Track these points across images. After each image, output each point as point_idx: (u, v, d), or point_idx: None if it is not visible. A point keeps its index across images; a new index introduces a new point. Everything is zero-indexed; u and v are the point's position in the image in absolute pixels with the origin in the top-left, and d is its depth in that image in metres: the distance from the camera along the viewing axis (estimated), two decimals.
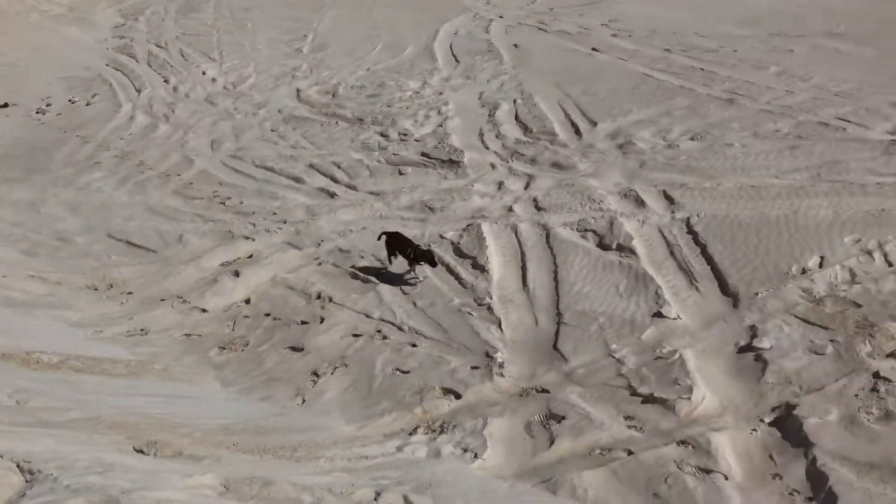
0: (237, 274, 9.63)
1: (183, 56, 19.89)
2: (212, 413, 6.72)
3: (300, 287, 9.24)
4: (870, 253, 8.28)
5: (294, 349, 8.15)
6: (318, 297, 9.00)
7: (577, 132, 12.71)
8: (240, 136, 14.58)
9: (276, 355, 8.11)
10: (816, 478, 5.63)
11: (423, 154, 12.63)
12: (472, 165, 12.00)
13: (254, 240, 10.51)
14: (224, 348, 8.32)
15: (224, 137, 14.57)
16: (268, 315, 8.85)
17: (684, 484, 5.70)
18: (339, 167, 12.55)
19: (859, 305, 7.51)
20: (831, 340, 7.09)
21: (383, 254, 9.51)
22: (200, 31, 21.98)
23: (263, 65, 18.65)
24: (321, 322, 8.52)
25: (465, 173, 11.80)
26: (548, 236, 9.64)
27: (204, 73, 18.43)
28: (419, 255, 8.93)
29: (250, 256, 10.13)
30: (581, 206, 10.25)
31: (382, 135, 13.64)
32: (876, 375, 6.54)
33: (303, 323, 8.57)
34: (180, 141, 14.68)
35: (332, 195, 11.67)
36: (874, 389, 6.39)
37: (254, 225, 10.95)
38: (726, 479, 5.75)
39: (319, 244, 10.16)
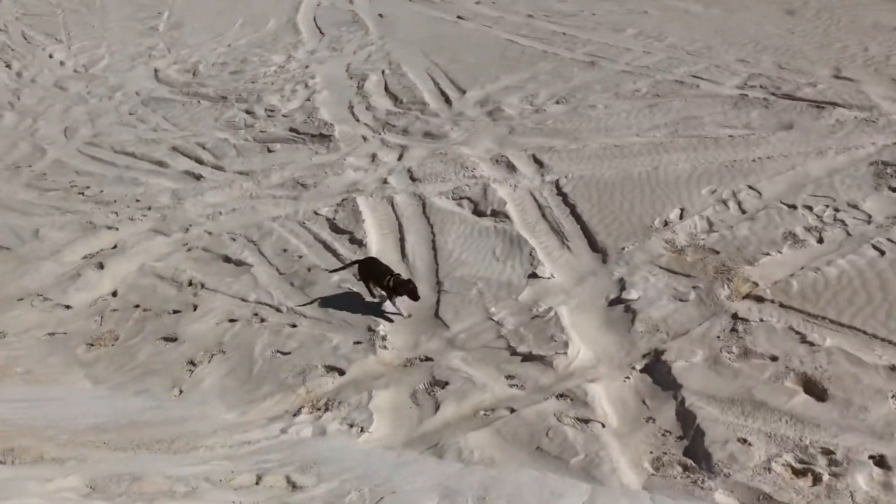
0: (101, 266, 9.14)
1: (25, 38, 18.53)
2: (81, 413, 6.38)
3: (170, 275, 8.87)
4: (725, 202, 8.75)
5: (168, 339, 7.84)
6: (190, 283, 8.67)
7: (447, 101, 12.74)
8: (95, 121, 13.77)
9: (148, 347, 7.78)
10: (685, 417, 5.93)
11: (291, 130, 12.34)
12: (343, 139, 11.83)
13: (117, 229, 9.99)
14: (92, 345, 7.90)
15: (78, 124, 13.73)
16: (137, 306, 8.46)
17: (564, 435, 5.88)
18: (204, 148, 12.08)
19: (717, 252, 7.93)
20: (693, 287, 7.46)
21: (255, 234, 9.25)
22: (43, 10, 20.52)
23: (117, 45, 17.65)
24: (194, 309, 8.22)
25: (336, 147, 11.63)
26: (424, 206, 9.65)
27: (51, 56, 17.26)
28: (398, 284, 7.65)
29: (114, 247, 9.62)
30: (455, 175, 10.31)
31: (248, 112, 13.22)
32: (735, 317, 6.94)
33: (175, 312, 8.24)
34: (29, 129, 13.72)
35: (198, 177, 11.23)
36: (734, 330, 6.78)
37: (116, 214, 10.40)
38: (603, 426, 5.97)
39: (188, 229, 9.77)
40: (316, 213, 9.77)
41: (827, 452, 5.31)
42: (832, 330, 6.58)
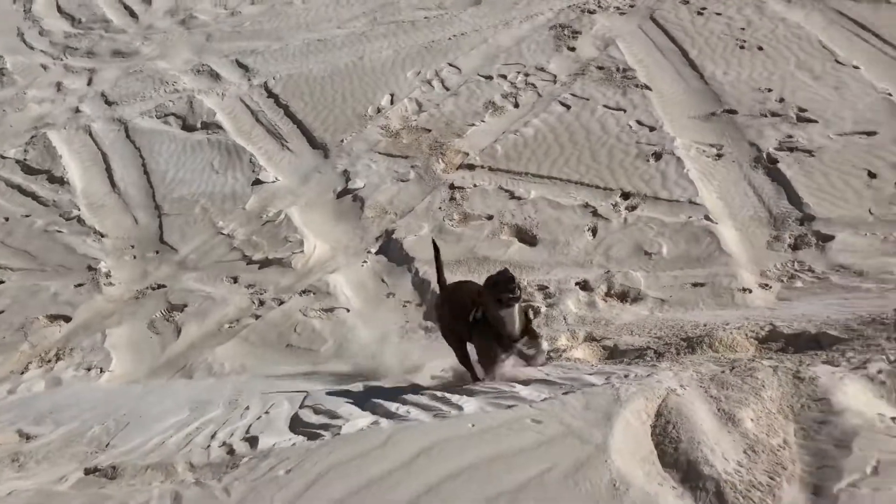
0: None
1: None
2: None
3: None
4: (429, 82, 9.11)
5: None
6: None
7: (133, 14, 11.76)
8: None
9: None
10: (420, 285, 6.31)
11: None
12: (18, 70, 10.55)
13: None
14: None
15: None
16: None
17: (312, 327, 6.02)
18: None
19: (429, 130, 8.30)
20: (412, 167, 7.80)
21: None
22: None
23: None
24: None
25: (12, 81, 10.36)
26: (127, 130, 9.02)
27: None
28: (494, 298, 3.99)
29: None
30: (155, 92, 9.67)
31: None
32: (452, 187, 7.38)
33: None
34: None
35: None
36: (452, 199, 7.22)
37: None
38: (348, 311, 6.18)
39: None
40: (3, 157, 8.75)
41: (542, 288, 5.95)
42: (535, 183, 7.24)
